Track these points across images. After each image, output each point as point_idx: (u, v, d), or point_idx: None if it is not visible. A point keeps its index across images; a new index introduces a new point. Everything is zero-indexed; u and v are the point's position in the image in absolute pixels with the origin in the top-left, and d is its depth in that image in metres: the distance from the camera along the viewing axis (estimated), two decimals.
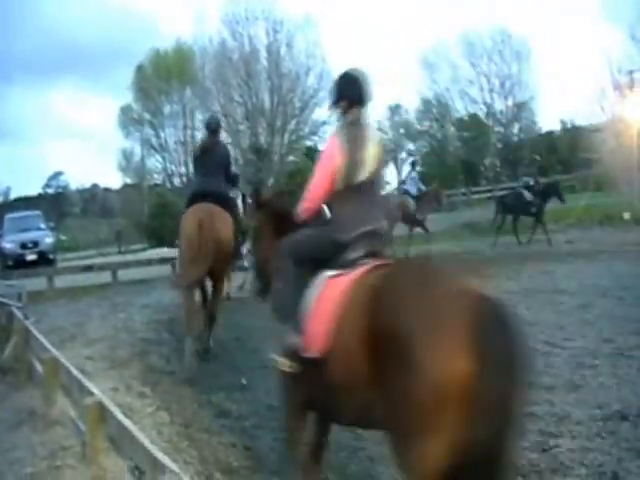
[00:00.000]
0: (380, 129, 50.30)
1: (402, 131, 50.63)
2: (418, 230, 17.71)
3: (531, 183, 17.99)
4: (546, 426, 5.05)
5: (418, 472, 2.75)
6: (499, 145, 45.41)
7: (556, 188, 17.79)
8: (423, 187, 17.96)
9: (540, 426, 5.06)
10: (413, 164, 19.94)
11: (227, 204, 8.03)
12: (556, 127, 45.56)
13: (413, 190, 17.50)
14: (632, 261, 13.23)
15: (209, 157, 8.07)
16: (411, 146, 50.50)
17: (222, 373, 7.22)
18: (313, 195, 3.90)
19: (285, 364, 3.63)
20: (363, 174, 3.77)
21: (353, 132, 3.84)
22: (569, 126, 43.48)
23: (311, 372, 3.43)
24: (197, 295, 8.24)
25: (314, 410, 3.84)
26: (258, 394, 6.28)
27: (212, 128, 8.42)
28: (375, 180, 3.89)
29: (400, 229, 17.44)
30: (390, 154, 49.78)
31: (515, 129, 45.95)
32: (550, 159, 39.30)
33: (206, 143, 8.39)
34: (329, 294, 3.40)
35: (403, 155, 50.70)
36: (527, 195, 17.56)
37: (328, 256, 3.69)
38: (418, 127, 48.87)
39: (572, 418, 5.18)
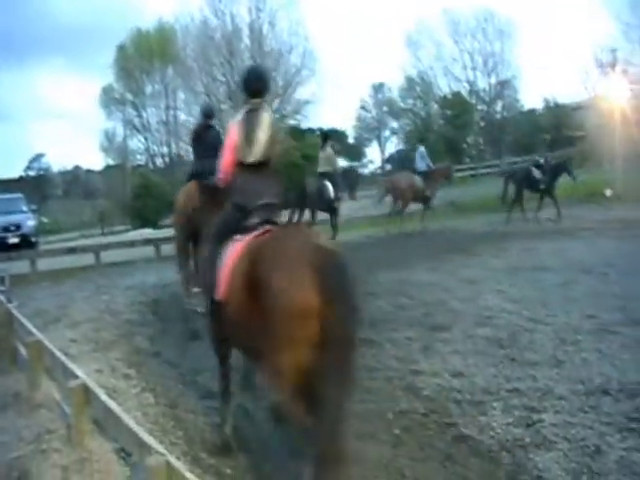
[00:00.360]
0: (363, 107, 50.32)
1: (385, 109, 50.53)
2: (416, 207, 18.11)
3: (541, 161, 17.97)
4: (529, 401, 5.11)
5: (279, 378, 3.63)
6: (482, 123, 45.53)
7: (566, 165, 17.81)
8: (431, 164, 18.07)
9: (524, 401, 5.12)
10: (421, 141, 20.04)
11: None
12: (539, 105, 45.63)
13: (422, 167, 17.67)
14: (615, 238, 13.32)
15: (203, 140, 8.70)
16: (394, 124, 50.50)
17: (207, 353, 7.17)
18: (223, 168, 4.79)
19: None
20: (256, 153, 4.58)
21: (249, 118, 4.65)
22: (552, 104, 43.54)
23: (220, 311, 4.30)
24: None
25: (228, 341, 4.66)
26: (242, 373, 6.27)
27: (205, 113, 9.20)
28: (269, 158, 4.66)
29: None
30: (374, 132, 49.86)
31: (498, 107, 46.11)
32: (533, 137, 39.41)
33: (198, 127, 9.13)
34: (230, 253, 4.25)
35: (387, 133, 50.77)
36: (536, 172, 17.58)
37: (235, 224, 4.51)
38: (402, 105, 48.77)
39: (555, 393, 5.24)
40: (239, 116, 4.74)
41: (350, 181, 15.30)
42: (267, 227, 4.44)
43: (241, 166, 4.63)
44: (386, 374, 6.03)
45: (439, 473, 4.17)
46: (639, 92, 28.21)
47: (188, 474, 3.19)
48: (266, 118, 4.66)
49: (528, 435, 4.58)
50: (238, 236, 4.37)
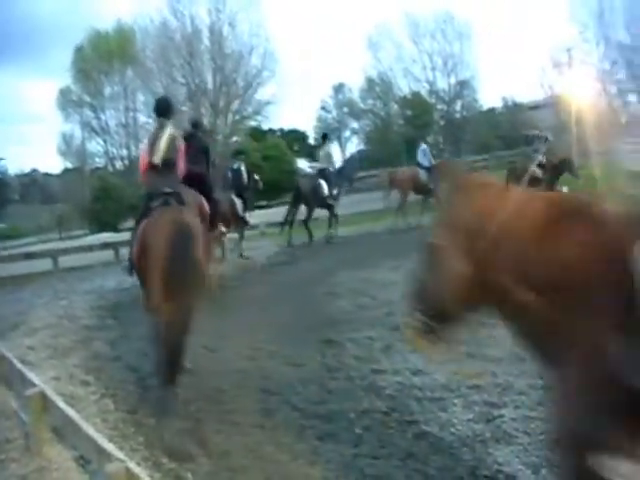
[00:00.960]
0: (324, 108, 50.35)
1: (346, 110, 50.62)
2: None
3: (542, 159, 18.07)
4: (490, 397, 5.16)
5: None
6: (442, 122, 45.92)
7: (570, 164, 17.90)
8: (433, 160, 18.76)
9: (484, 397, 5.17)
10: (422, 138, 22.33)
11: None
12: (498, 104, 46.22)
13: (425, 162, 18.29)
14: None
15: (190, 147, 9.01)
16: (355, 124, 50.63)
17: None
18: (141, 167, 6.49)
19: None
20: (158, 156, 6.19)
21: (156, 132, 6.45)
22: (510, 103, 44.16)
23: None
24: None
25: None
26: (203, 377, 6.25)
27: (193, 123, 10.27)
28: (170, 161, 6.26)
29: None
30: (334, 132, 49.89)
31: (457, 107, 46.56)
32: (491, 135, 39.99)
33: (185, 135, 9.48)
34: (139, 227, 5.84)
35: (347, 133, 50.86)
36: (537, 172, 17.67)
37: (146, 207, 6.02)
38: (362, 106, 48.94)
39: (515, 388, 5.30)
40: (151, 130, 6.89)
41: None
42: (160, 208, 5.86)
43: (150, 165, 6.23)
44: (347, 374, 6.05)
45: (400, 471, 4.18)
46: (594, 91, 28.80)
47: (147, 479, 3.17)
48: (167, 132, 6.37)
49: (488, 430, 4.62)
50: (146, 215, 5.88)
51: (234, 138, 39.83)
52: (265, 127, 41.26)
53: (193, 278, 5.57)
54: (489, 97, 67.60)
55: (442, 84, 45.65)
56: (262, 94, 39.83)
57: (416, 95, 45.86)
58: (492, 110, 46.16)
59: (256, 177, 15.52)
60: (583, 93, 26.00)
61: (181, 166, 6.46)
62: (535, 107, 37.17)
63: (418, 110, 44.36)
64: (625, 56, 34.87)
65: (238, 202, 14.19)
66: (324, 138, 18.56)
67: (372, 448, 4.53)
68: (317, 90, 78.33)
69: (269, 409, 5.35)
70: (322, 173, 15.95)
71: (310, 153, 39.13)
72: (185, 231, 5.59)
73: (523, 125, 35.61)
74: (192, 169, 8.06)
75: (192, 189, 7.40)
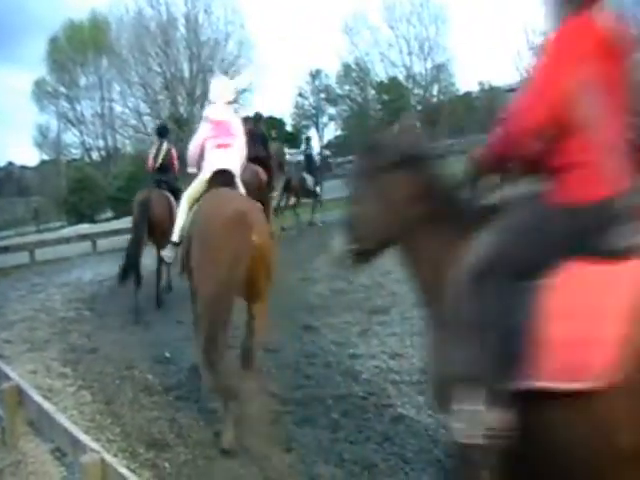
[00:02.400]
0: (301, 94, 50.17)
1: (323, 96, 50.45)
2: None
3: None
4: None
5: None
6: (419, 107, 45.90)
7: None
8: None
9: None
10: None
11: None
12: (474, 88, 46.28)
13: None
14: None
15: (253, 136, 10.82)
16: (332, 110, 50.48)
17: (145, 347, 7.11)
18: (149, 168, 9.86)
19: None
20: (158, 162, 9.64)
21: (158, 146, 9.81)
22: (486, 87, 44.24)
23: None
24: None
25: None
26: (181, 366, 6.23)
27: (255, 118, 12.55)
28: (166, 164, 9.62)
29: None
30: (311, 119, 49.77)
31: (434, 91, 46.56)
32: (468, 119, 40.08)
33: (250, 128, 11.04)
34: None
35: (325, 119, 50.69)
36: None
37: None
38: (339, 91, 48.79)
39: None
40: (155, 144, 9.94)
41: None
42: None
43: (155, 168, 9.54)
44: (325, 359, 6.06)
45: (378, 454, 4.19)
46: None
47: (123, 470, 3.16)
48: (164, 147, 9.64)
49: None
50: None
51: None
52: (242, 114, 41.08)
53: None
54: (466, 81, 67.84)
55: (419, 68, 45.63)
56: (239, 81, 39.55)
57: (393, 80, 45.83)
58: (469, 94, 46.23)
59: (329, 160, 19.71)
60: None
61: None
62: (511, 90, 37.27)
63: (395, 95, 44.36)
64: None
65: (309, 178, 17.15)
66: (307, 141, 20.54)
67: (349, 433, 4.53)
68: (294, 77, 78.05)
69: (245, 396, 5.32)
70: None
71: (288, 139, 39.03)
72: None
73: (500, 109, 35.82)
74: (255, 152, 10.54)
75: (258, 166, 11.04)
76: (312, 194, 17.45)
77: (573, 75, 2.26)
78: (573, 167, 2.32)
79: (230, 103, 6.29)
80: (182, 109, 38.40)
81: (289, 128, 49.30)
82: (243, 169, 6.10)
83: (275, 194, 14.48)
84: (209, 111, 6.05)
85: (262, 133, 12.76)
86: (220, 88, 6.14)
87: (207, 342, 4.42)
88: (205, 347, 4.45)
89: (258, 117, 13.19)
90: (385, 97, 45.39)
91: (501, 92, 40.08)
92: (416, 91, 46.23)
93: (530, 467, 2.38)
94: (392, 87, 45.25)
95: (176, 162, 9.74)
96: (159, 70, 38.93)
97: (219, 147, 5.68)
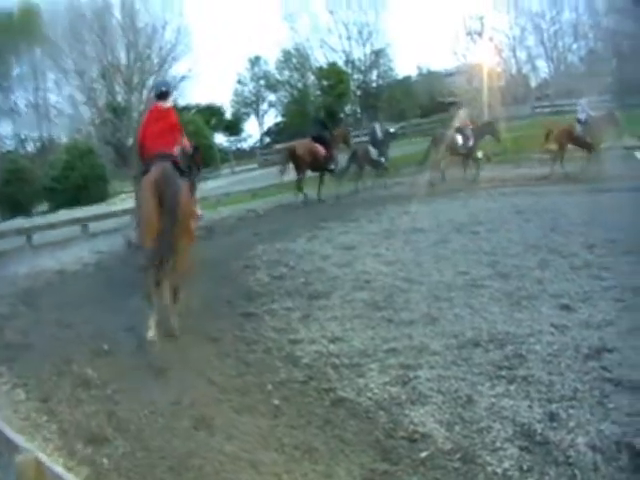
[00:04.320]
0: (240, 81, 49.73)
1: (262, 82, 50.14)
2: None
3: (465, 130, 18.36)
4: (406, 360, 5.24)
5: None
6: (358, 92, 46.03)
7: (492, 127, 18.44)
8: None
9: (400, 360, 5.24)
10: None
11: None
12: (413, 72, 46.57)
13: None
14: (485, 197, 13.88)
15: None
16: (272, 97, 50.22)
17: (84, 340, 6.92)
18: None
19: None
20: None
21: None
22: (425, 71, 44.57)
23: None
24: None
25: None
26: (120, 358, 6.09)
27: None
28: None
29: None
30: (251, 106, 49.40)
31: (374, 76, 46.72)
32: (407, 104, 40.34)
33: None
34: None
35: (264, 106, 50.40)
36: (458, 138, 18.01)
37: None
38: (278, 77, 48.53)
39: (430, 349, 5.40)
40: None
41: None
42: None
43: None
44: (265, 346, 6.02)
45: (318, 438, 4.20)
46: (504, 58, 29.34)
47: (58, 469, 3.08)
48: None
49: (404, 392, 4.69)
50: None
51: None
52: (181, 103, 40.37)
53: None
54: (404, 66, 68.13)
55: (358, 54, 45.61)
56: (177, 69, 38.87)
57: (332, 65, 45.75)
58: (408, 78, 46.48)
59: (392, 130, 20.90)
60: (494, 60, 26.46)
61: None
62: (449, 75, 37.65)
63: (334, 80, 44.30)
64: (534, 22, 35.63)
65: (373, 150, 19.06)
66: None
67: (290, 418, 4.53)
68: (233, 64, 77.17)
69: (185, 386, 5.26)
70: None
71: (227, 127, 38.66)
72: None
73: (439, 93, 36.16)
74: (316, 132, 16.36)
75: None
76: (376, 164, 19.20)
77: None
78: None
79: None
80: (119, 97, 37.57)
81: (229, 116, 48.90)
82: (301, 146, 10.34)
83: (332, 167, 17.39)
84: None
85: (322, 120, 18.31)
86: None
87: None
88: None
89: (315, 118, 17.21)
90: (325, 82, 45.31)
91: (439, 76, 40.54)
92: (355, 76, 46.34)
93: None
94: (332, 72, 45.15)
95: None
96: (95, 58, 37.92)
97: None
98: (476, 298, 6.60)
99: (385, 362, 5.26)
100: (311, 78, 47.28)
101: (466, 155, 18.17)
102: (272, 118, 51.03)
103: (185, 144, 9.74)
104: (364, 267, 8.40)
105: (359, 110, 48.46)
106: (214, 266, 9.40)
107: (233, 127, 46.84)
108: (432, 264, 8.21)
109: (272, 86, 49.50)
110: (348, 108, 45.94)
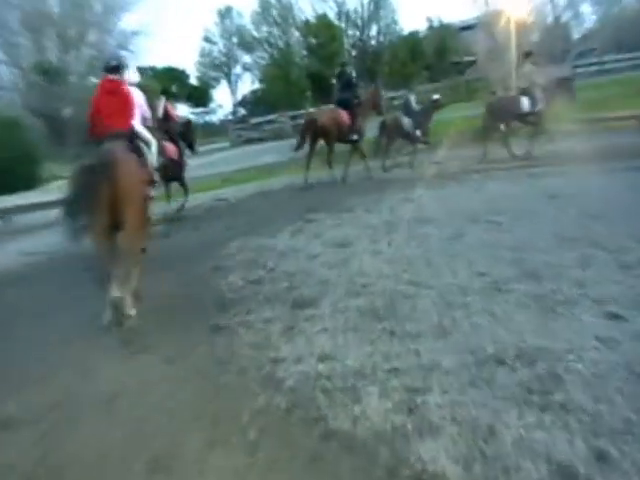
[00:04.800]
0: (208, 39, 49.59)
1: (235, 40, 50.05)
2: None
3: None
4: (412, 381, 5.23)
5: None
6: (353, 52, 46.01)
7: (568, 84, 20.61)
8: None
9: (405, 382, 5.23)
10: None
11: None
12: (421, 27, 46.61)
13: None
14: (505, 180, 13.91)
15: (340, 80, 17.39)
16: (247, 58, 50.12)
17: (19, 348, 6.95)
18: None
19: None
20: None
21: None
22: (436, 24, 44.61)
23: None
24: None
25: None
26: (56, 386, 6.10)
27: (341, 63, 14.83)
28: None
29: None
30: (221, 69, 49.30)
31: (373, 31, 46.67)
32: (414, 66, 40.42)
33: (338, 72, 16.24)
34: None
35: (238, 70, 50.33)
36: (523, 101, 18.04)
37: None
38: (255, 34, 48.46)
39: (441, 369, 5.38)
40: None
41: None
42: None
43: None
44: (240, 366, 6.01)
45: (305, 475, 4.20)
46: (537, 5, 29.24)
47: None
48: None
49: (410, 422, 4.67)
50: None
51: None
52: (133, 65, 40.19)
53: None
54: (410, 18, 68.27)
55: (353, 3, 45.63)
56: (127, 22, 38.62)
57: (321, 19, 45.75)
58: (415, 34, 46.54)
59: (435, 97, 21.14)
60: (524, 7, 26.40)
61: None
62: (467, 28, 37.69)
63: (324, 37, 44.34)
64: None
65: (406, 121, 20.03)
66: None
67: (270, 454, 4.52)
68: (198, 16, 77.02)
69: (142, 415, 5.26)
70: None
71: (191, 96, 38.49)
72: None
73: (453, 51, 36.19)
74: (342, 96, 17.78)
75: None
76: (409, 136, 20.19)
77: None
78: None
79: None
80: (52, 56, 36.64)
81: (193, 81, 48.72)
82: (323, 113, 14.62)
83: (355, 137, 18.13)
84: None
85: (349, 78, 18.56)
86: None
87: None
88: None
89: (343, 63, 20.08)
90: (312, 40, 45.32)
91: (454, 30, 40.59)
92: (350, 32, 46.31)
93: None
94: (321, 28, 45.20)
95: None
96: (16, 3, 36.25)
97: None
98: (498, 305, 6.59)
99: (387, 384, 5.26)
100: (295, 35, 47.31)
101: (534, 123, 18.11)
102: (247, 85, 51.18)
103: (172, 115, 10.43)
104: (360, 268, 8.41)
105: (355, 74, 48.07)
106: (177, 268, 9.42)
107: (199, 96, 46.87)
108: (443, 263, 8.23)
109: (247, 44, 49.51)
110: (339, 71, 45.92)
